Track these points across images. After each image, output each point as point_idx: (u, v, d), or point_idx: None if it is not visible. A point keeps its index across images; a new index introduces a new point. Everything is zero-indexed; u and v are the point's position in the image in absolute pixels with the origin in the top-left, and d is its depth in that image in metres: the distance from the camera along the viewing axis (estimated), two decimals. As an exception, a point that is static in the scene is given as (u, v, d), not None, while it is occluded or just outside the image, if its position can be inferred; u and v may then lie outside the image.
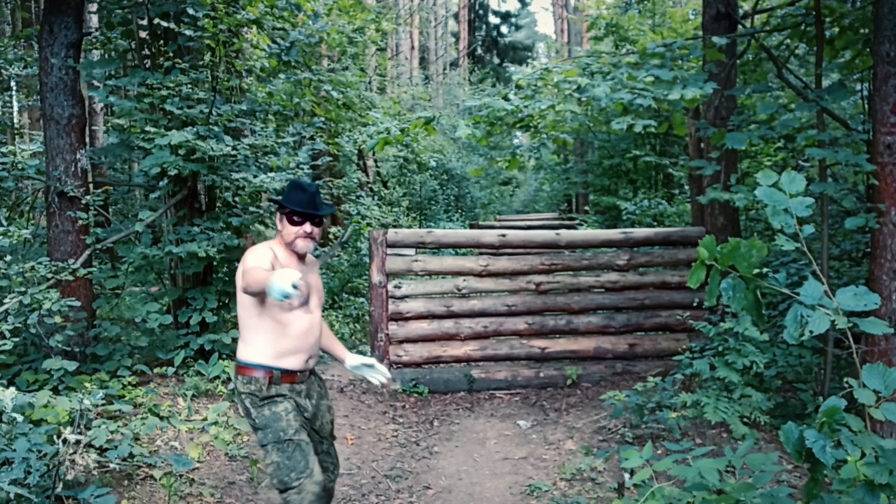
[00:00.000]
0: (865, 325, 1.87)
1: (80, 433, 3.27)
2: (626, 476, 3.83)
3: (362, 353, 6.56)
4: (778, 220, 1.91)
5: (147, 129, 5.02)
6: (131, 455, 3.71)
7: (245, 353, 2.72)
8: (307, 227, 2.72)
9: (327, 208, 2.83)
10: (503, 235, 6.31)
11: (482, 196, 18.89)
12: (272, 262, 2.63)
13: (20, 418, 3.25)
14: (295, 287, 2.26)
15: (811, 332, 1.74)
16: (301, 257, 2.80)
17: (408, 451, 4.71)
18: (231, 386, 4.95)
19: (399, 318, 6.03)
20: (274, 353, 2.68)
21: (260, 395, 2.67)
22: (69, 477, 3.04)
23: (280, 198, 2.80)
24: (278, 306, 2.61)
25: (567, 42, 23.89)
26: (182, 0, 5.32)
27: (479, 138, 4.85)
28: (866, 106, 5.09)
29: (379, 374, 2.98)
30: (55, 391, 4.24)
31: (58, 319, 4.48)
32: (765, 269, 1.98)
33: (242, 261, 2.68)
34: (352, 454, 4.62)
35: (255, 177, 5.55)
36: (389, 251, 6.03)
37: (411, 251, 6.10)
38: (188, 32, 5.20)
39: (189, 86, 5.17)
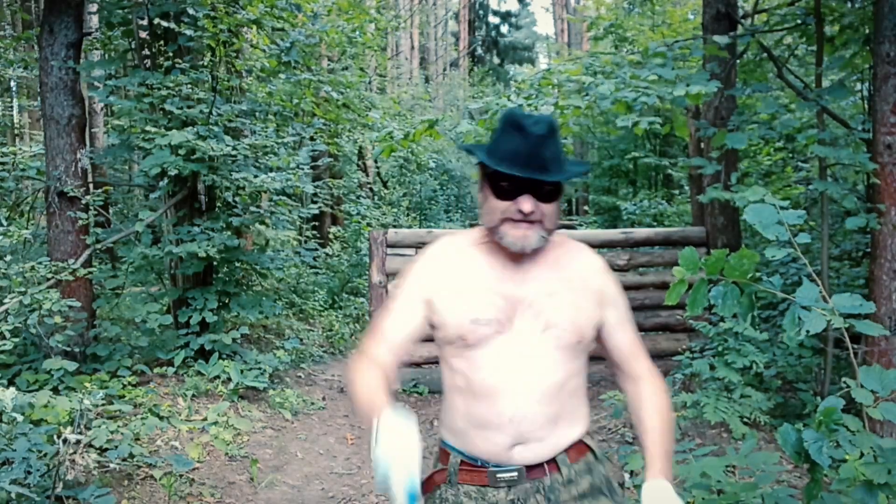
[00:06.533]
0: (861, 327, 1.87)
1: (80, 433, 3.27)
2: (626, 476, 3.83)
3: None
4: (770, 231, 1.92)
5: (147, 129, 5.02)
6: (131, 455, 3.71)
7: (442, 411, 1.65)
8: (525, 202, 1.42)
9: (570, 167, 1.49)
10: (503, 235, 6.31)
11: (482, 196, 18.87)
12: (426, 299, 1.55)
13: (20, 418, 3.25)
14: (413, 498, 1.19)
15: (808, 332, 1.75)
16: (518, 257, 1.51)
17: (408, 451, 4.71)
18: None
19: (399, 318, 6.02)
20: (456, 421, 1.54)
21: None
22: (69, 477, 3.04)
23: (479, 148, 1.52)
24: (463, 333, 1.50)
25: (567, 42, 23.90)
26: (182, 0, 5.32)
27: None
28: (866, 106, 5.09)
29: None
30: (55, 391, 4.24)
31: (58, 319, 4.48)
32: (762, 273, 1.99)
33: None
34: (352, 454, 4.62)
35: (255, 177, 5.55)
36: (389, 251, 6.04)
37: (411, 251, 6.11)
38: (188, 32, 5.20)
39: (189, 86, 5.17)
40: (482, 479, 1.50)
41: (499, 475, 1.49)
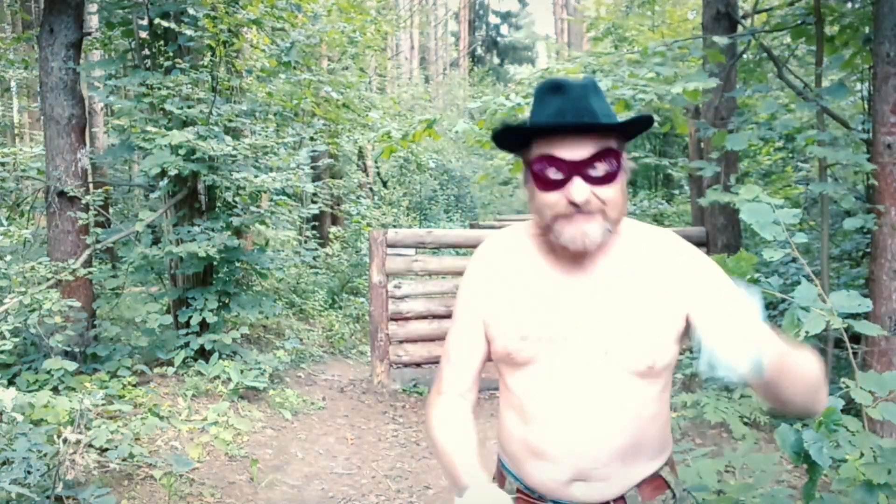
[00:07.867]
0: (860, 327, 1.87)
1: (80, 433, 3.27)
2: None
3: None
4: (767, 231, 1.91)
5: (147, 129, 5.02)
6: (131, 455, 3.71)
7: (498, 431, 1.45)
8: (576, 190, 1.15)
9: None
10: (503, 235, 6.32)
11: (482, 196, 18.91)
12: (479, 310, 1.35)
13: (20, 418, 3.25)
14: None
15: (807, 332, 1.75)
16: (579, 255, 1.25)
17: (408, 451, 4.71)
18: (229, 386, 4.95)
19: (399, 318, 6.03)
20: (512, 444, 1.36)
21: None
22: (69, 477, 3.04)
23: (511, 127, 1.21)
24: (510, 350, 1.31)
25: (567, 42, 23.91)
26: (182, 0, 5.32)
27: (483, 143, 4.88)
28: (866, 106, 5.09)
29: None
30: (55, 391, 4.24)
31: (58, 319, 4.48)
32: (761, 273, 1.99)
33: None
34: (352, 454, 4.62)
35: (255, 177, 5.56)
36: (389, 251, 6.04)
37: (411, 251, 6.11)
38: (188, 32, 5.20)
39: (189, 86, 5.17)
40: None
41: None
